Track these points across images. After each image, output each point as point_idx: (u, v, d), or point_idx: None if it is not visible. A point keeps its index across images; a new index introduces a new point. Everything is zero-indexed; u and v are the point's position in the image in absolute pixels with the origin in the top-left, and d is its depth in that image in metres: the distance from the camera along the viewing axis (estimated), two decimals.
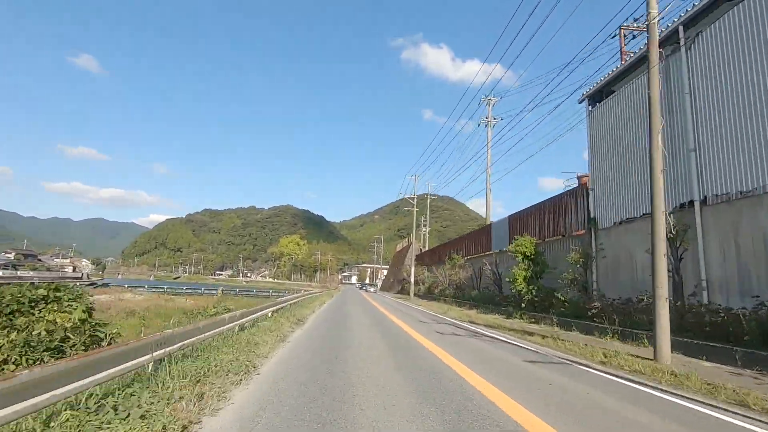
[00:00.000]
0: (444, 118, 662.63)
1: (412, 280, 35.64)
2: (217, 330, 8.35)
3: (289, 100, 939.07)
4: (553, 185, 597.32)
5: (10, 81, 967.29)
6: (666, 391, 6.13)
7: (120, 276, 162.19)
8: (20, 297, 8.29)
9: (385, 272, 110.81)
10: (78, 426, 3.53)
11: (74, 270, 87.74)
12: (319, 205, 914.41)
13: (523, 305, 19.02)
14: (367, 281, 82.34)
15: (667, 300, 8.52)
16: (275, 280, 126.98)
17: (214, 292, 74.12)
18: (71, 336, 7.85)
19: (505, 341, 11.58)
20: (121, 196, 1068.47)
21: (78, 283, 68.33)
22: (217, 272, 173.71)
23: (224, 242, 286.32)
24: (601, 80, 17.64)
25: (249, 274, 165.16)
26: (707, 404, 5.45)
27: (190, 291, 72.41)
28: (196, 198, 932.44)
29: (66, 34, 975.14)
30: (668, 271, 9.92)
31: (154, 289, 70.06)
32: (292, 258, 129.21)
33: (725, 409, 5.23)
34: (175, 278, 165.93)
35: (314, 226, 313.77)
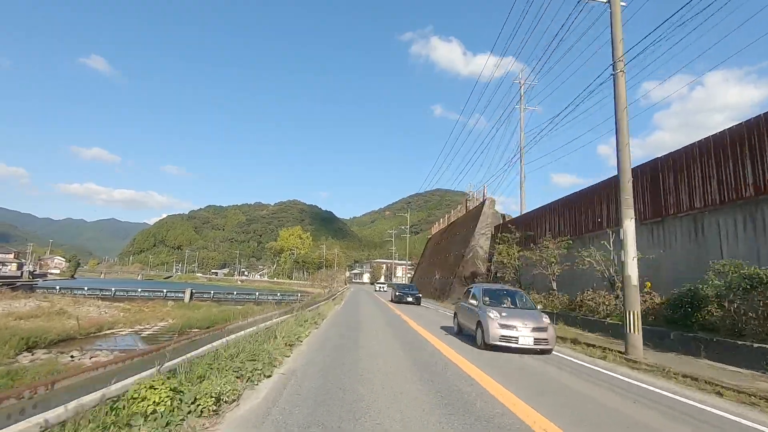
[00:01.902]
0: (455, 114, 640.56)
1: (634, 274, 9.36)
2: None
3: (296, 97, 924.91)
4: (566, 181, 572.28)
5: (24, 84, 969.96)
6: None
7: (102, 275, 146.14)
8: None
9: (402, 268, 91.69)
10: None
11: (18, 267, 71.37)
12: (328, 201, 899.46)
13: None
14: (403, 281, 59.65)
15: None
16: (275, 279, 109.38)
17: (181, 294, 56.03)
18: None
19: None
20: (133, 197, 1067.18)
21: None
22: (213, 271, 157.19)
23: (227, 239, 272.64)
24: None
25: (246, 273, 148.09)
26: None
27: (147, 294, 54.28)
28: (206, 198, 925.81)
29: (76, 34, 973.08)
30: None
31: (97, 293, 52.14)
32: (294, 253, 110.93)
33: None
34: (166, 278, 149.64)
35: (322, 222, 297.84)
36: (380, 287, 53.95)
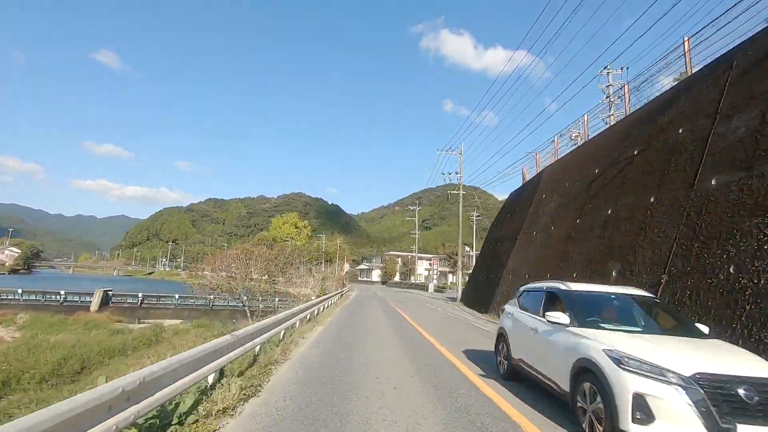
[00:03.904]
0: (465, 109, 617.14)
1: None
2: None
3: (304, 91, 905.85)
4: None
5: (37, 80, 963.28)
6: None
7: (71, 270, 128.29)
8: None
9: (426, 264, 70.70)
10: None
11: None
12: (335, 197, 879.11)
13: None
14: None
15: None
16: (264, 276, 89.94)
17: (88, 300, 36.37)
18: None
19: None
20: (145, 194, 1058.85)
21: None
22: (201, 266, 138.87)
23: (226, 233, 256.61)
24: None
25: None
26: None
27: (39, 299, 34.98)
28: (216, 192, 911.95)
29: (86, 29, 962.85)
30: None
31: None
32: (288, 244, 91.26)
33: None
34: (147, 274, 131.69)
35: (328, 215, 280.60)
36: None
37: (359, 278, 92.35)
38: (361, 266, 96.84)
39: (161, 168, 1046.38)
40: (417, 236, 55.88)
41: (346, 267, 41.35)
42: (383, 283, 74.52)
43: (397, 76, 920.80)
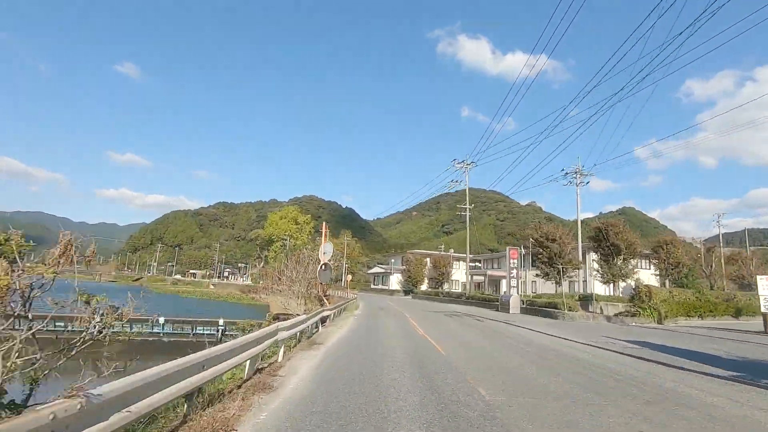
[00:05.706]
0: (482, 115, 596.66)
1: None
2: None
3: (317, 94, 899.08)
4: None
5: (61, 90, 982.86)
6: None
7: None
8: None
9: (462, 265, 51.64)
10: None
11: None
12: (350, 202, 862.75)
13: None
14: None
15: None
16: (259, 282, 73.45)
17: None
18: None
19: None
20: (164, 202, 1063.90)
21: None
22: (192, 272, 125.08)
23: (234, 238, 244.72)
24: None
25: (228, 275, 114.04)
26: None
27: None
28: (229, 199, 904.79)
29: (109, 42, 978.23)
30: None
31: None
32: (285, 245, 74.19)
33: None
34: (135, 280, 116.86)
35: (342, 219, 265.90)
36: None
37: (372, 285, 74.42)
38: (375, 269, 78.54)
39: (179, 176, 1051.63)
40: (468, 215, 36.58)
41: (326, 252, 19.19)
42: (406, 293, 55.70)
43: (414, 82, 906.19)
